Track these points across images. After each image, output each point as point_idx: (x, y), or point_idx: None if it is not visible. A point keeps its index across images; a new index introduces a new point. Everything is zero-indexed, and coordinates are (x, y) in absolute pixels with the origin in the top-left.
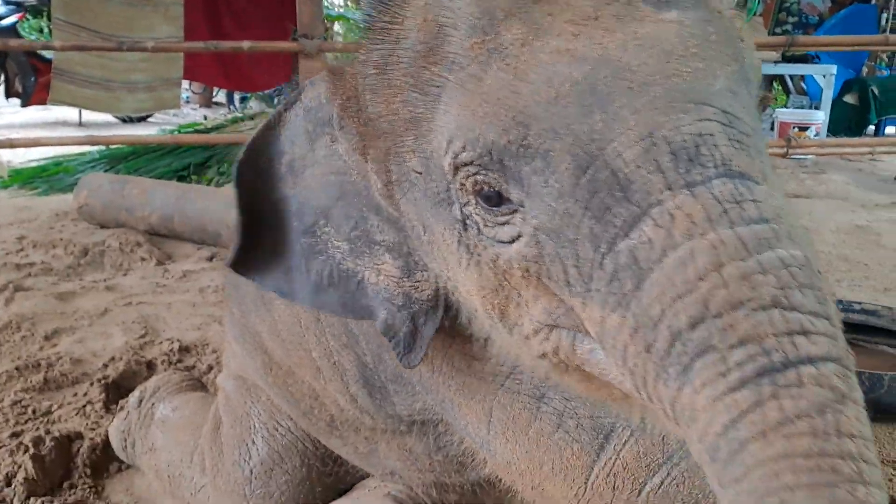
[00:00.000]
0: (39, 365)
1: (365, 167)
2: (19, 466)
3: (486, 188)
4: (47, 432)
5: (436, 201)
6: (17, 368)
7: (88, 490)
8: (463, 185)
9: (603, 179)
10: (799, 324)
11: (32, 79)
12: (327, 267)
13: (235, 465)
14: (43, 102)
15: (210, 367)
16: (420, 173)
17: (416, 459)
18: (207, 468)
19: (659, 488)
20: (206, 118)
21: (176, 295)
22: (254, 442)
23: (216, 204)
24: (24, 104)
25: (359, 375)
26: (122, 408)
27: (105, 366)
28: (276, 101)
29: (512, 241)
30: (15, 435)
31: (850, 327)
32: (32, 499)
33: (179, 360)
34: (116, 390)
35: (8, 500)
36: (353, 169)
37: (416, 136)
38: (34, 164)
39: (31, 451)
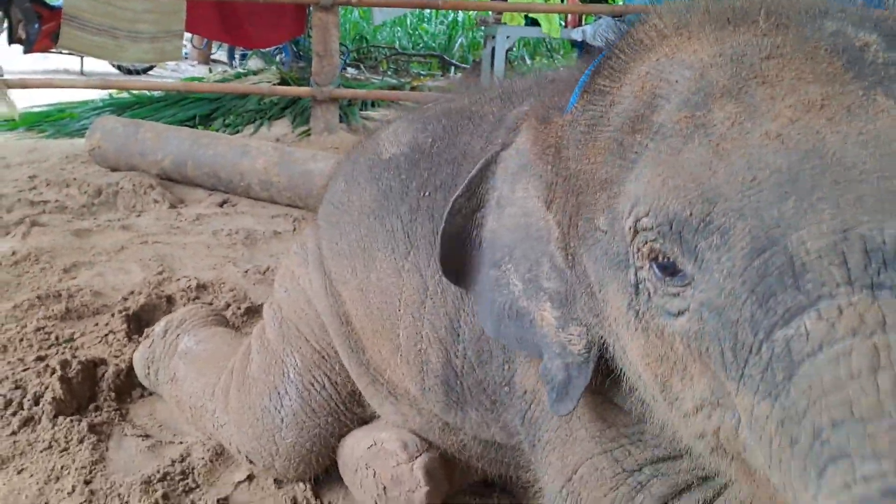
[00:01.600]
0: (60, 295)
1: (547, 216)
2: (47, 387)
3: (661, 257)
4: (73, 356)
5: (614, 262)
6: (38, 297)
7: (114, 412)
8: (640, 249)
9: (777, 265)
10: None
11: (36, 25)
12: (508, 301)
13: (265, 411)
14: (45, 50)
15: (227, 305)
16: (605, 232)
17: (470, 455)
18: (232, 408)
19: None
20: (210, 71)
21: (190, 237)
22: (286, 391)
23: (230, 151)
24: (27, 51)
25: (441, 372)
26: (147, 336)
27: (125, 298)
28: (277, 58)
29: (679, 314)
30: (40, 359)
31: None
32: (61, 417)
33: (197, 297)
34: (137, 322)
35: (37, 417)
36: (538, 215)
37: (608, 195)
38: (37, 110)
39: (59, 372)
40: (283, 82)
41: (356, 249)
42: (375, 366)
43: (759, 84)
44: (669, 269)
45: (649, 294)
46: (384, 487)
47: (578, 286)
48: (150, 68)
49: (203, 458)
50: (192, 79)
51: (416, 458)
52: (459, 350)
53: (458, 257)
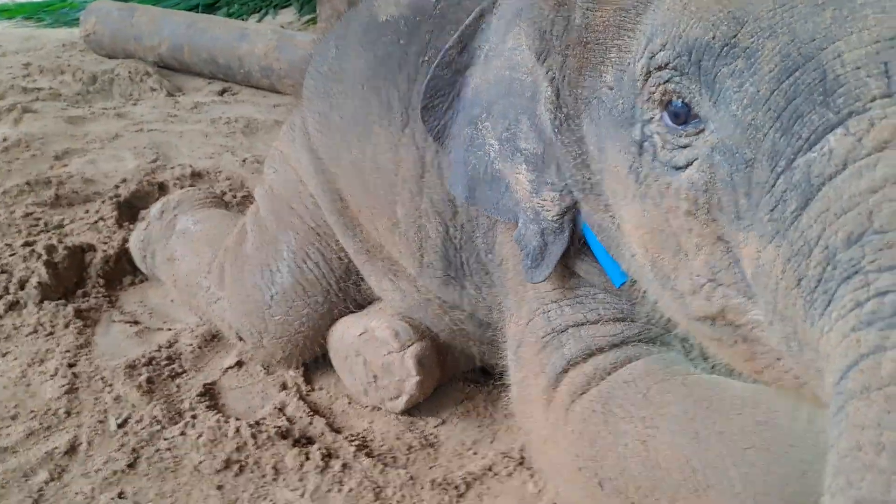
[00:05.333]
0: (50, 182)
1: (536, 70)
2: (32, 272)
3: (675, 98)
4: (60, 242)
5: (619, 121)
6: (27, 183)
7: (102, 298)
8: (651, 94)
9: (807, 83)
10: None
11: None
12: (483, 163)
13: (256, 288)
14: None
15: (223, 193)
16: (611, 88)
17: (467, 337)
18: (226, 282)
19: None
20: None
21: (187, 125)
22: (278, 269)
23: (228, 35)
24: None
25: (440, 247)
26: (142, 218)
27: (117, 186)
28: None
29: (685, 167)
30: (27, 244)
31: None
32: (46, 302)
33: (192, 185)
34: (128, 209)
35: (22, 302)
36: (524, 68)
37: (619, 47)
38: (36, 0)
39: (45, 257)
40: None
41: (349, 123)
42: (373, 243)
43: None
44: (682, 116)
45: (655, 151)
46: (374, 376)
47: (563, 152)
48: None
49: (191, 345)
50: None
51: (408, 346)
52: (457, 222)
53: (443, 114)
